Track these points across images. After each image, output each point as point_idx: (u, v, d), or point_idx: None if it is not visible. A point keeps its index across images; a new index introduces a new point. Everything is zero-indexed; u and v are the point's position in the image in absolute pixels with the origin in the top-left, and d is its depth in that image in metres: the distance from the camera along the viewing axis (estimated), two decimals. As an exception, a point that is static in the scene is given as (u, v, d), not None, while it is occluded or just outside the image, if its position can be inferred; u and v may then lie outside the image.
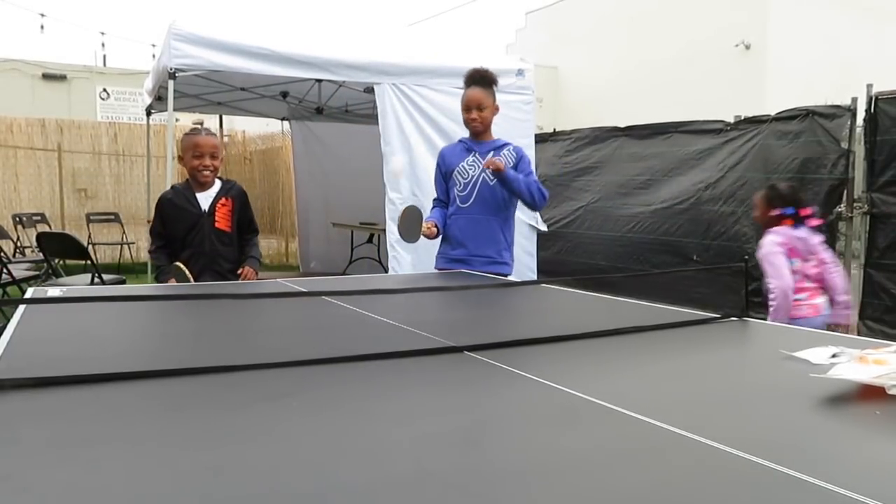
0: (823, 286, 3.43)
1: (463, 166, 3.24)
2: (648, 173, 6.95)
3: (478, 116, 3.19)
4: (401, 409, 1.10)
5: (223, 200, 3.26)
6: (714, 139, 6.39)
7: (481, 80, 3.21)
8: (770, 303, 3.34)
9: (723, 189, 6.19)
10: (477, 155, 3.21)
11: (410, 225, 3.15)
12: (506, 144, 3.25)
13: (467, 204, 3.21)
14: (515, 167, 3.18)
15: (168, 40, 4.86)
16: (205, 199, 3.22)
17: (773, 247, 3.35)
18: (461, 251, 3.20)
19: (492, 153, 3.18)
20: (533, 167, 5.73)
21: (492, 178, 3.14)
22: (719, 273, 5.78)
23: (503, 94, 5.57)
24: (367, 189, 7.33)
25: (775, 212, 3.45)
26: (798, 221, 3.42)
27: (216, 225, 3.21)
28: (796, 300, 3.32)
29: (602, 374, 1.32)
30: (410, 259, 5.12)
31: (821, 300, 3.41)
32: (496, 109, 3.24)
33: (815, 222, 3.48)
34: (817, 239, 3.45)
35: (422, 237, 3.15)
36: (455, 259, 3.20)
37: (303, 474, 0.82)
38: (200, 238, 3.17)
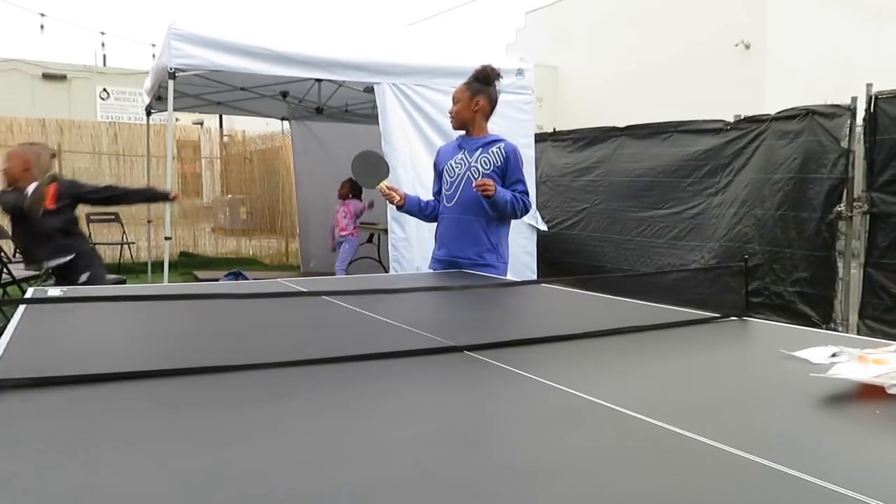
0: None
1: (451, 164, 3.16)
2: (648, 174, 6.94)
3: (451, 110, 3.16)
4: (401, 409, 1.10)
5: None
6: (714, 139, 6.39)
7: (472, 76, 3.15)
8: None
9: (723, 189, 6.19)
10: (465, 153, 3.13)
11: (365, 168, 3.17)
12: (496, 141, 3.12)
13: (451, 203, 3.13)
14: (504, 168, 3.07)
15: (168, 40, 4.86)
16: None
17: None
18: (444, 252, 3.16)
19: (479, 150, 3.10)
20: (532, 166, 5.78)
21: (478, 177, 3.06)
22: (719, 273, 5.78)
23: (503, 93, 5.63)
24: (367, 189, 7.32)
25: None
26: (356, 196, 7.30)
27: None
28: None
29: (602, 374, 1.32)
30: (412, 258, 5.13)
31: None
32: (476, 104, 3.11)
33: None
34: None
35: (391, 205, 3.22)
36: (439, 259, 3.18)
37: (303, 474, 0.82)
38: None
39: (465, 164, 3.12)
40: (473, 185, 3.01)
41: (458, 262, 3.09)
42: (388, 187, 3.16)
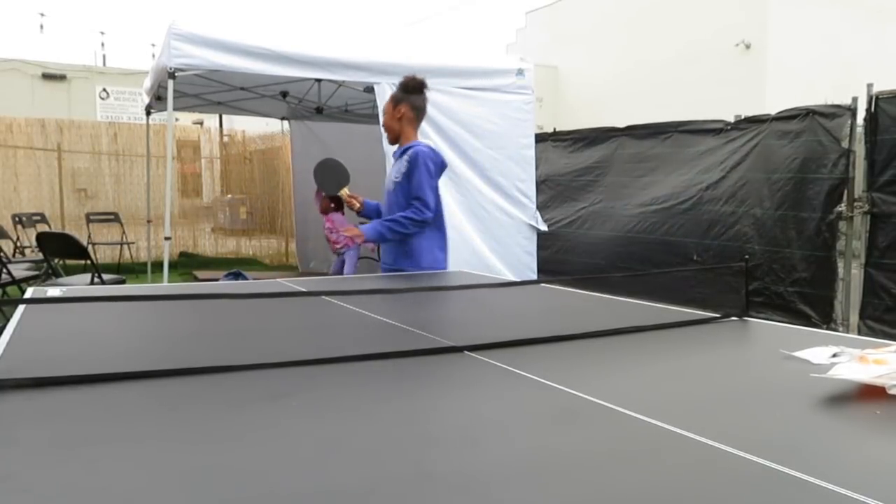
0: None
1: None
2: (649, 173, 6.95)
3: (382, 123, 3.29)
4: (401, 409, 1.10)
5: None
6: (714, 139, 6.39)
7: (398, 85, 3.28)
8: None
9: (723, 189, 6.18)
10: (394, 162, 3.25)
11: (328, 175, 3.50)
12: (409, 148, 3.14)
13: (385, 213, 3.28)
14: (410, 173, 3.08)
15: (168, 40, 4.86)
16: None
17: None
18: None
19: (396, 160, 3.20)
20: (532, 166, 5.77)
21: (392, 187, 3.15)
22: (719, 273, 5.78)
23: (503, 93, 5.65)
24: (367, 188, 7.31)
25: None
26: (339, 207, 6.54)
27: None
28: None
29: (602, 374, 1.32)
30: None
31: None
32: (398, 113, 3.17)
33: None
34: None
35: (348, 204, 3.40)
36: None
37: (303, 474, 0.82)
38: None
39: (392, 177, 3.21)
40: (335, 243, 3.21)
41: (385, 266, 3.25)
42: (349, 195, 3.36)
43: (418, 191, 3.05)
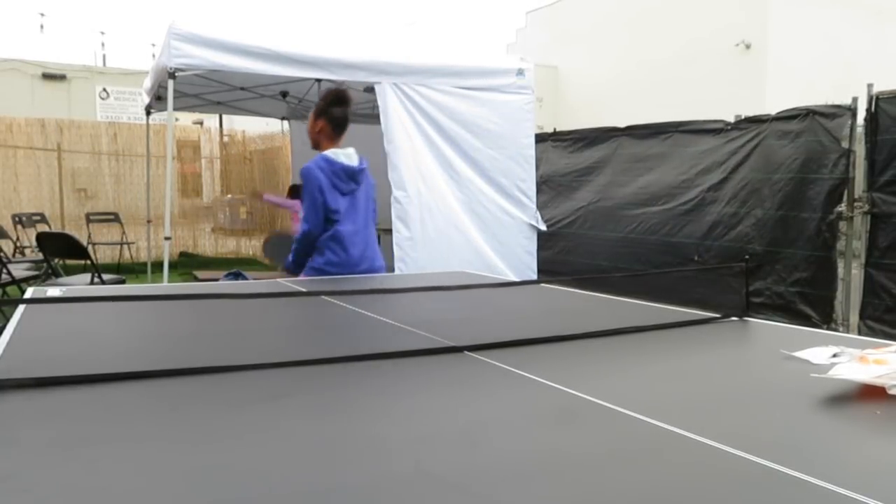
0: None
1: None
2: (649, 173, 6.94)
3: None
4: (401, 409, 1.10)
5: None
6: (714, 139, 6.39)
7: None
8: None
9: (724, 189, 6.18)
10: None
11: (279, 248, 3.66)
12: None
13: None
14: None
15: (168, 40, 4.86)
16: None
17: None
18: None
19: None
20: (532, 166, 5.78)
21: None
22: (720, 273, 5.78)
23: (503, 93, 5.66)
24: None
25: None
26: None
27: None
28: None
29: (602, 374, 1.32)
30: (417, 258, 5.14)
31: None
32: (316, 126, 3.20)
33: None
34: None
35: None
36: None
37: (303, 474, 0.82)
38: None
39: None
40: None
41: None
42: None
43: (302, 207, 3.16)
